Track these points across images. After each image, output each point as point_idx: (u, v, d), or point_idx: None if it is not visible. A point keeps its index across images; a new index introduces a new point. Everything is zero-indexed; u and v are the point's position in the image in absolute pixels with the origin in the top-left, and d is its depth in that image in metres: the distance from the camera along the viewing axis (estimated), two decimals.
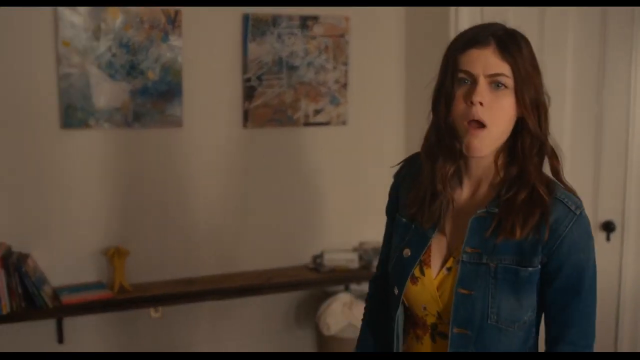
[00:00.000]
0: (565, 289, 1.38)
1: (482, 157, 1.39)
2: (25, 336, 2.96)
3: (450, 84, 1.37)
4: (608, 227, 2.92)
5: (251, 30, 3.16)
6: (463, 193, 1.46)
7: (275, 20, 3.19)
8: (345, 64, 3.35)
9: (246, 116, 3.22)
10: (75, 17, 2.87)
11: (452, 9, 3.11)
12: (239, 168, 3.26)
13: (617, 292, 2.96)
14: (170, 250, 3.18)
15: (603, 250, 2.96)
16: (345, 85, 3.36)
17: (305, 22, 3.25)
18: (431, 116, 1.44)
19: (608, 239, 2.93)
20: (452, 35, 2.93)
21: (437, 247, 1.45)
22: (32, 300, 2.80)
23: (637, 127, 2.87)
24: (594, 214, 2.97)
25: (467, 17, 3.07)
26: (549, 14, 2.99)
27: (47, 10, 2.84)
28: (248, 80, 3.19)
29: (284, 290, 3.26)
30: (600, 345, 3.00)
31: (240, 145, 3.25)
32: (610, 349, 2.99)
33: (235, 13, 3.14)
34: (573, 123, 2.99)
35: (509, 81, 1.33)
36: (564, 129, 3.01)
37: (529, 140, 1.37)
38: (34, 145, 2.91)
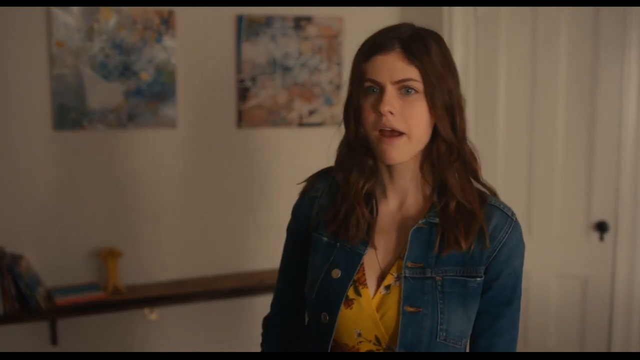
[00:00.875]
0: (499, 297, 1.33)
1: (404, 166, 1.32)
2: (19, 337, 2.96)
3: (357, 95, 1.29)
4: (601, 228, 2.93)
5: (245, 31, 3.16)
6: (389, 205, 1.36)
7: (269, 21, 3.19)
8: (339, 64, 3.35)
9: (240, 117, 3.22)
10: (69, 18, 2.86)
11: (446, 9, 3.12)
12: (233, 169, 3.26)
13: (610, 292, 2.96)
14: (163, 251, 3.18)
15: (596, 250, 2.97)
16: (339, 86, 3.36)
17: (298, 23, 3.25)
18: (343, 129, 1.37)
19: (601, 239, 2.94)
20: (446, 35, 2.93)
21: (370, 265, 1.34)
22: (26, 301, 2.79)
23: (629, 128, 2.88)
24: (587, 214, 2.98)
25: (460, 17, 3.08)
26: (542, 14, 2.99)
27: (40, 11, 2.84)
28: (242, 81, 3.19)
29: None
30: (594, 345, 3.02)
31: (234, 146, 3.24)
32: (603, 349, 3.00)
33: (229, 14, 3.14)
34: (566, 124, 3.00)
35: (419, 85, 1.25)
36: (557, 129, 3.02)
37: (444, 146, 1.30)
38: (26, 147, 2.91)
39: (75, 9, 2.87)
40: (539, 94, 3.05)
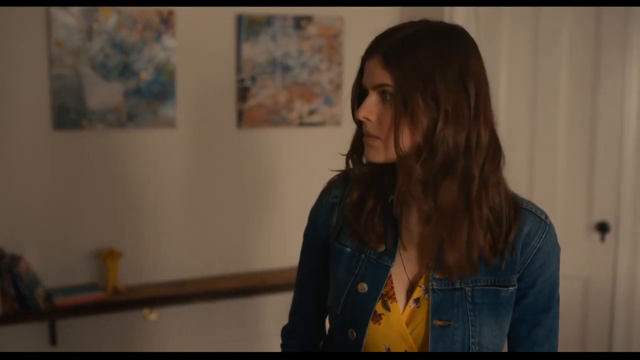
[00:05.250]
0: (536, 305, 1.29)
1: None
2: (18, 338, 2.95)
3: (356, 100, 1.29)
4: (602, 228, 2.92)
5: (245, 30, 3.15)
6: (414, 213, 1.28)
7: (269, 21, 3.18)
8: (340, 64, 3.34)
9: (240, 117, 3.21)
10: (68, 18, 2.85)
11: (447, 9, 3.11)
12: (233, 169, 3.25)
13: (611, 292, 2.96)
14: (163, 251, 3.17)
15: (597, 251, 2.96)
16: (339, 86, 3.35)
17: (299, 23, 3.24)
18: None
19: (602, 239, 2.93)
20: None
21: (398, 277, 1.28)
22: (25, 302, 2.78)
23: (631, 128, 2.87)
24: (588, 215, 2.97)
25: (461, 17, 3.07)
26: (544, 14, 2.98)
27: (39, 11, 2.83)
28: (242, 80, 3.18)
29: (279, 292, 3.24)
30: (595, 345, 3.01)
31: (234, 146, 3.24)
32: (604, 350, 2.99)
33: (229, 13, 3.13)
34: (567, 124, 2.99)
35: (393, 90, 1.19)
36: (558, 130, 3.01)
37: (417, 161, 1.20)
38: (25, 147, 2.90)
39: (74, 9, 2.85)
40: (540, 95, 3.04)
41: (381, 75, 1.20)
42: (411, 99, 1.17)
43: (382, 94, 1.21)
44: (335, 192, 1.38)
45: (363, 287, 1.28)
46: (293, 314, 1.49)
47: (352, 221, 1.31)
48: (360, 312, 1.27)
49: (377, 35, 1.28)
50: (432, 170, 1.19)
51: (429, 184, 1.21)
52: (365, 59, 1.26)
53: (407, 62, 1.18)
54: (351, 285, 1.29)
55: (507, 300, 1.26)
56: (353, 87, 1.30)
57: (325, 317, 1.46)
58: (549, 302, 1.30)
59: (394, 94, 1.19)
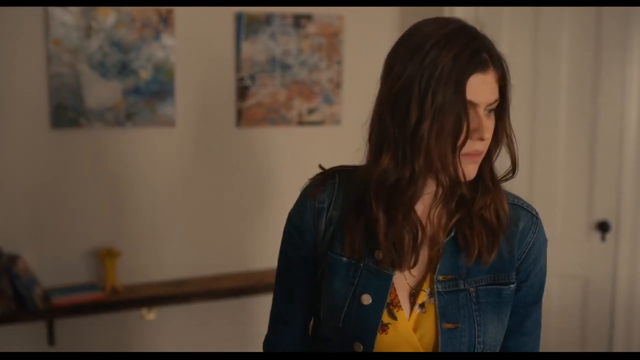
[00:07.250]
0: (527, 298, 1.30)
1: None
2: (16, 338, 2.94)
3: (463, 114, 1.12)
4: (603, 227, 2.91)
5: (244, 29, 3.14)
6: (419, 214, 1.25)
7: (268, 19, 3.17)
8: (339, 63, 3.33)
9: (239, 115, 3.20)
10: (66, 16, 2.84)
11: (447, 9, 3.10)
12: (232, 168, 3.24)
13: (611, 292, 2.95)
14: (162, 251, 3.16)
15: (598, 250, 2.96)
16: (339, 85, 3.34)
17: (298, 21, 3.23)
18: (389, 150, 1.21)
19: (603, 239, 2.92)
20: None
21: (399, 283, 1.24)
22: (23, 302, 2.77)
23: (631, 127, 2.86)
24: (589, 214, 2.96)
25: (461, 17, 3.06)
26: (544, 14, 2.98)
27: (37, 10, 2.81)
28: (241, 79, 3.17)
29: None
30: (595, 345, 3.00)
31: (233, 145, 3.23)
32: (604, 349, 2.98)
33: (228, 12, 3.12)
34: (568, 123, 2.98)
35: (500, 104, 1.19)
36: (559, 129, 3.00)
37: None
38: (23, 146, 2.88)
39: (73, 7, 2.83)
40: (541, 94, 3.03)
41: (495, 91, 1.17)
42: (508, 111, 1.21)
43: (488, 110, 1.17)
44: (321, 196, 1.29)
45: (367, 299, 1.22)
46: (277, 322, 1.42)
47: (347, 239, 1.24)
48: (367, 325, 1.22)
49: (467, 40, 1.18)
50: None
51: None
52: (474, 70, 1.13)
53: (506, 74, 1.19)
54: (352, 296, 1.23)
55: (509, 297, 1.27)
56: (462, 109, 1.12)
57: (309, 324, 1.40)
58: (539, 294, 1.32)
59: (500, 107, 1.19)
